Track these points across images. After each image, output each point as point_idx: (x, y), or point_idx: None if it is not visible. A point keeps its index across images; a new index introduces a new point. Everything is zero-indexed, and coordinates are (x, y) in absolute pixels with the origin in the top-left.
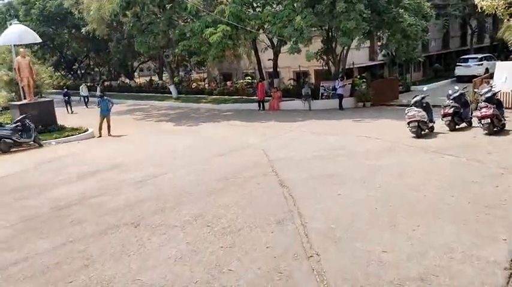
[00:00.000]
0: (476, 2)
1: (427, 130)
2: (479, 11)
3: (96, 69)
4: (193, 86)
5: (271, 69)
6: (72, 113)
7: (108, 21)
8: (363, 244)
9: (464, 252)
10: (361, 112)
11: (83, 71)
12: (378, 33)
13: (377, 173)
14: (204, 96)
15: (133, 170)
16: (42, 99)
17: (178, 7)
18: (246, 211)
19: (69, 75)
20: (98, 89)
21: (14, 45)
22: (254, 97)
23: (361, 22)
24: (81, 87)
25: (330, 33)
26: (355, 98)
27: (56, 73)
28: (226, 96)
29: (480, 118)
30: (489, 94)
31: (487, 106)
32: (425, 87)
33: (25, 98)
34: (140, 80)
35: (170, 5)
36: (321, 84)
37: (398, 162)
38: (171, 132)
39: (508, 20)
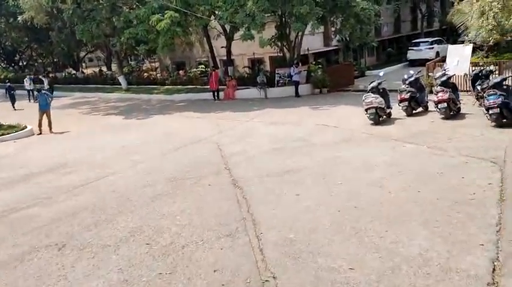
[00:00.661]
0: None
1: (384, 117)
2: None
3: (40, 60)
4: (144, 76)
5: (225, 57)
6: (15, 109)
7: (46, 8)
8: (326, 260)
9: (440, 265)
10: (318, 99)
11: (25, 63)
12: (332, 18)
13: (338, 168)
14: (156, 86)
15: (72, 172)
16: None
17: None
18: (193, 221)
19: (10, 68)
20: (45, 81)
21: None
22: (208, 86)
23: (315, 7)
24: (25, 79)
25: (284, 19)
26: (311, 84)
27: None
28: (179, 86)
29: (437, 103)
30: (444, 78)
31: (443, 90)
32: (381, 73)
33: None
34: (88, 71)
35: None
36: (276, 72)
37: (359, 153)
38: (120, 126)
39: (457, 3)
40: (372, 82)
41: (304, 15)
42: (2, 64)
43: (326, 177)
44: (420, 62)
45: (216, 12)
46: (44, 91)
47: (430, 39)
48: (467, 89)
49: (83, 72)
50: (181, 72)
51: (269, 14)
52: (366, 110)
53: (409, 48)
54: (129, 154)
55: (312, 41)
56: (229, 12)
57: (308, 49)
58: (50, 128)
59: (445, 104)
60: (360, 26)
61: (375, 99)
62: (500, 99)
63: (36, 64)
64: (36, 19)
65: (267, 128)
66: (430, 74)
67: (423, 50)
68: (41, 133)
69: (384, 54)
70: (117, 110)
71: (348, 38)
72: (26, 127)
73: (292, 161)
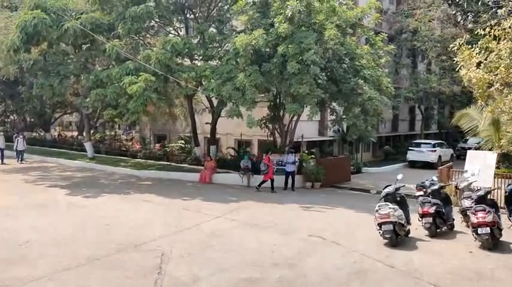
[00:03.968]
0: (462, 74)
1: (403, 235)
2: (465, 84)
3: (12, 117)
4: (116, 146)
5: (209, 135)
6: None
7: (17, 60)
8: None
9: None
10: (310, 195)
11: None
12: (332, 105)
13: None
14: (126, 158)
15: None
16: None
17: (95, 49)
18: None
19: None
20: (22, 141)
21: None
22: (184, 165)
23: (316, 88)
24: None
25: (278, 99)
26: (303, 176)
27: None
28: (152, 161)
29: (476, 226)
30: (481, 192)
31: (484, 210)
32: (400, 175)
33: None
34: (57, 133)
35: (87, 45)
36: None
37: None
38: (53, 205)
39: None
40: (387, 187)
41: (302, 95)
42: None
43: None
44: (422, 164)
45: (203, 82)
46: None
47: (432, 141)
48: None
49: (51, 134)
50: (157, 145)
51: (262, 95)
52: (380, 225)
53: (409, 148)
54: (31, 260)
55: (307, 128)
56: (217, 83)
57: (302, 136)
58: None
59: (488, 229)
60: (364, 116)
61: (393, 212)
62: None
63: (7, 121)
64: (3, 71)
65: (241, 234)
66: (452, 182)
67: (425, 152)
68: None
69: (381, 151)
70: (68, 182)
71: (345, 130)
72: None
73: None
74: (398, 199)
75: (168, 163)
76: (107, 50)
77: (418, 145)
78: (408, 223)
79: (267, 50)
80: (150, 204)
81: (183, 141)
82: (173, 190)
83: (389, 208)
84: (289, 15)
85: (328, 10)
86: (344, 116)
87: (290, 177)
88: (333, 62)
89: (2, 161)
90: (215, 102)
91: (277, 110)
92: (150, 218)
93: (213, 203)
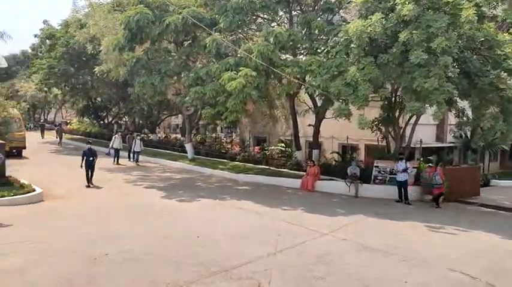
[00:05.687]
0: None
1: None
2: None
3: (124, 119)
4: (216, 148)
5: (312, 138)
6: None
7: (125, 61)
8: None
9: None
10: (433, 212)
11: (110, 120)
12: (459, 104)
13: None
14: (225, 161)
15: None
16: None
17: (197, 46)
18: None
19: (95, 123)
20: (139, 142)
21: None
22: (284, 169)
23: (445, 82)
24: (114, 137)
25: (394, 96)
26: (421, 187)
27: (82, 119)
28: (250, 164)
29: None
30: None
31: None
32: None
33: None
34: (163, 135)
35: (189, 42)
36: (375, 164)
37: None
38: (146, 209)
39: None
40: None
41: (428, 91)
42: (89, 119)
43: None
44: None
45: (307, 78)
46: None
47: None
48: None
49: (157, 135)
50: (256, 148)
51: (374, 94)
52: None
53: None
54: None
55: (422, 132)
56: (324, 78)
57: (421, 141)
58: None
59: None
60: (504, 118)
61: None
62: None
63: (120, 122)
64: (113, 72)
65: (357, 258)
66: None
67: None
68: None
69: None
70: (165, 183)
71: (468, 135)
72: (33, 190)
73: None
74: None
75: (267, 167)
76: (207, 45)
77: None
78: None
79: (385, 38)
80: (246, 213)
81: (283, 145)
82: (272, 197)
83: None
84: None
85: None
86: (476, 118)
87: (402, 188)
88: (466, 52)
89: (117, 161)
90: (319, 103)
91: (392, 109)
92: (244, 231)
93: (317, 216)
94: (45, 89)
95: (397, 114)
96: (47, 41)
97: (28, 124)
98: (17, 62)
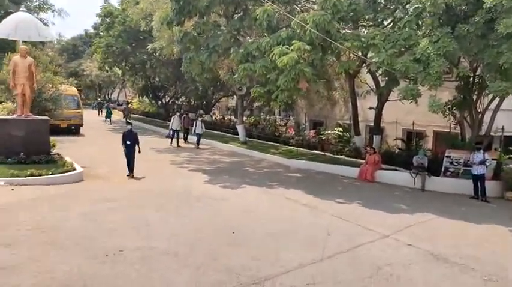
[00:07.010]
0: None
1: None
2: None
3: (181, 99)
4: (269, 131)
5: (373, 123)
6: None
7: (176, 38)
8: None
9: None
10: None
11: (167, 100)
12: None
13: None
14: (277, 144)
15: None
16: (37, 117)
17: (248, 18)
18: None
19: (154, 103)
20: (200, 124)
21: (26, 41)
22: (341, 156)
23: None
24: (173, 118)
25: (473, 75)
26: (501, 182)
27: (142, 98)
28: (304, 149)
29: None
30: None
31: None
32: None
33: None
34: (217, 116)
35: (240, 15)
36: (446, 154)
37: None
38: (184, 195)
39: None
40: None
41: None
42: (147, 99)
43: None
44: None
45: (369, 54)
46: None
47: None
48: None
49: (211, 116)
50: (311, 132)
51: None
52: None
53: None
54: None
55: (502, 119)
56: (389, 54)
57: (503, 128)
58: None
59: None
60: None
61: None
62: None
63: (177, 102)
64: (166, 50)
65: (427, 272)
66: None
67: None
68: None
69: None
70: (212, 167)
71: None
72: (74, 169)
73: None
74: None
75: (323, 153)
76: (258, 18)
77: None
78: None
79: (465, 5)
80: (293, 204)
81: (341, 129)
82: (325, 187)
83: None
84: None
85: None
86: None
87: (478, 182)
88: None
89: (177, 142)
90: (382, 83)
91: (470, 91)
92: (288, 227)
93: (376, 213)
94: (106, 68)
95: (475, 97)
96: (106, 19)
97: (93, 103)
98: (84, 42)
